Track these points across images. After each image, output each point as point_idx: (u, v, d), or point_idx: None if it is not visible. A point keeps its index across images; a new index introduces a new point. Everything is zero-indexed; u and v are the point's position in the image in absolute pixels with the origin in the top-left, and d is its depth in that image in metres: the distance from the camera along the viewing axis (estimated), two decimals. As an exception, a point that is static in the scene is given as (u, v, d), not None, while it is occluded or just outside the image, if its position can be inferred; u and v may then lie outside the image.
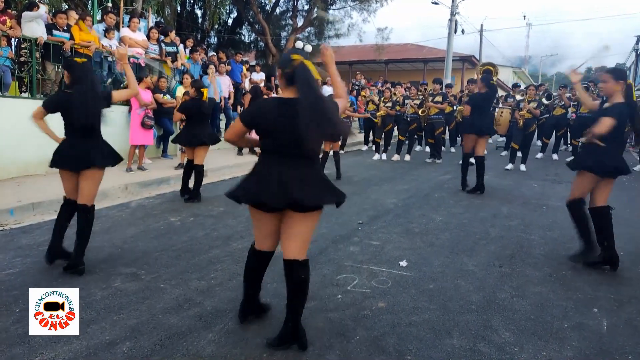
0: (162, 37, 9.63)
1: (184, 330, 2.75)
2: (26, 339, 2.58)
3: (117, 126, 7.87)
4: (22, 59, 7.37)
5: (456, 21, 20.90)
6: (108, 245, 4.25)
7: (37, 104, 6.94)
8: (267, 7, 20.29)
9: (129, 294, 3.22)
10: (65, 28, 7.79)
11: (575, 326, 2.91)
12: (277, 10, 20.64)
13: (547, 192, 7.23)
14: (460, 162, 9.97)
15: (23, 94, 7.55)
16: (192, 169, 6.17)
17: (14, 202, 5.30)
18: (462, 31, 22.69)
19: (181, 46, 10.43)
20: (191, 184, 6.22)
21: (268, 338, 2.61)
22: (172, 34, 9.93)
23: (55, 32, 7.65)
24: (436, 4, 21.20)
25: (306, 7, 20.13)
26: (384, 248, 4.30)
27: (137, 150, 8.05)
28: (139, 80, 8.02)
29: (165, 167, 8.12)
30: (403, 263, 3.91)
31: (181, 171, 7.71)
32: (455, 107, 11.54)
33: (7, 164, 6.66)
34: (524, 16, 54.37)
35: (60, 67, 7.85)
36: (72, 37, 7.77)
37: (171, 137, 8.45)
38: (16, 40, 7.35)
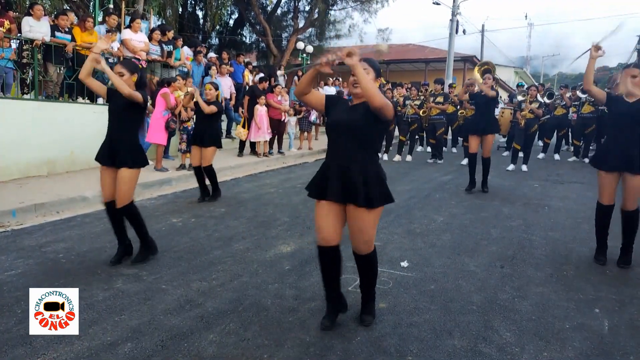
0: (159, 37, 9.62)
1: (185, 331, 2.75)
2: (28, 339, 2.58)
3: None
4: (24, 60, 7.39)
5: (457, 21, 20.89)
6: (110, 246, 4.25)
7: (39, 105, 7.07)
8: (269, 8, 20.34)
9: (130, 294, 3.23)
10: (67, 30, 7.81)
11: (576, 327, 2.90)
12: (279, 11, 20.71)
13: (548, 192, 7.22)
14: (462, 162, 10.09)
15: (25, 96, 7.57)
16: (202, 172, 6.19)
17: (16, 203, 5.31)
18: (464, 31, 22.70)
19: (185, 48, 10.43)
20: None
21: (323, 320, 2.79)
22: (170, 34, 9.93)
23: (57, 33, 7.67)
24: (437, 4, 21.19)
25: (307, 8, 20.16)
26: (385, 249, 4.30)
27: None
28: (168, 84, 8.05)
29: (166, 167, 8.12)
30: (404, 264, 3.90)
31: (182, 172, 7.77)
32: (457, 108, 11.54)
33: (9, 165, 6.68)
34: (526, 16, 54.41)
35: (61, 68, 7.88)
36: (73, 39, 7.79)
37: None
38: (18, 42, 7.37)
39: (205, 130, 6.13)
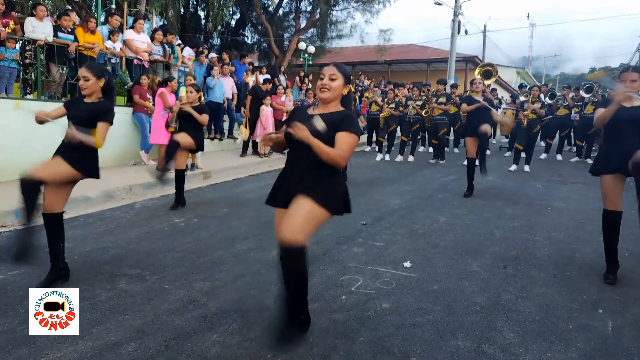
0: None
1: (188, 331, 2.76)
2: (32, 339, 2.59)
3: (122, 128, 7.92)
4: (27, 60, 7.41)
5: (459, 22, 20.87)
6: (112, 246, 4.27)
7: (41, 105, 7.07)
8: (270, 9, 20.37)
9: (133, 295, 3.23)
10: (69, 30, 7.83)
11: (580, 327, 2.90)
12: (280, 12, 20.73)
13: (551, 193, 7.21)
14: (464, 163, 10.05)
15: (27, 96, 7.58)
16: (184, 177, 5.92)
17: (19, 204, 5.31)
18: (466, 32, 22.65)
19: (187, 48, 10.45)
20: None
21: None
22: (171, 37, 9.95)
23: (60, 34, 7.69)
24: (439, 4, 21.17)
25: (309, 9, 20.19)
26: (388, 249, 4.30)
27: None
28: (165, 83, 7.99)
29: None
30: (407, 264, 3.90)
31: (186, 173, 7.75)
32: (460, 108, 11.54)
33: (12, 166, 6.67)
34: (528, 16, 54.37)
35: (64, 68, 7.90)
36: (76, 39, 7.81)
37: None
38: (21, 42, 7.40)
39: (192, 135, 5.78)
